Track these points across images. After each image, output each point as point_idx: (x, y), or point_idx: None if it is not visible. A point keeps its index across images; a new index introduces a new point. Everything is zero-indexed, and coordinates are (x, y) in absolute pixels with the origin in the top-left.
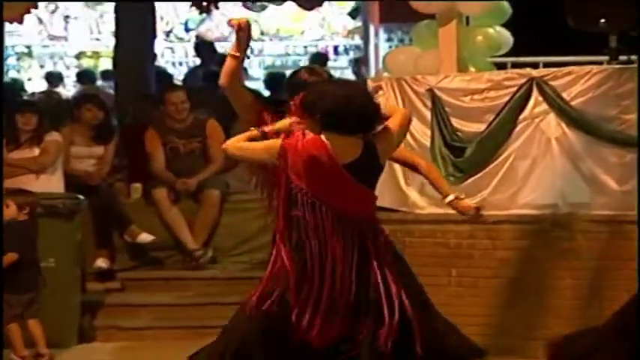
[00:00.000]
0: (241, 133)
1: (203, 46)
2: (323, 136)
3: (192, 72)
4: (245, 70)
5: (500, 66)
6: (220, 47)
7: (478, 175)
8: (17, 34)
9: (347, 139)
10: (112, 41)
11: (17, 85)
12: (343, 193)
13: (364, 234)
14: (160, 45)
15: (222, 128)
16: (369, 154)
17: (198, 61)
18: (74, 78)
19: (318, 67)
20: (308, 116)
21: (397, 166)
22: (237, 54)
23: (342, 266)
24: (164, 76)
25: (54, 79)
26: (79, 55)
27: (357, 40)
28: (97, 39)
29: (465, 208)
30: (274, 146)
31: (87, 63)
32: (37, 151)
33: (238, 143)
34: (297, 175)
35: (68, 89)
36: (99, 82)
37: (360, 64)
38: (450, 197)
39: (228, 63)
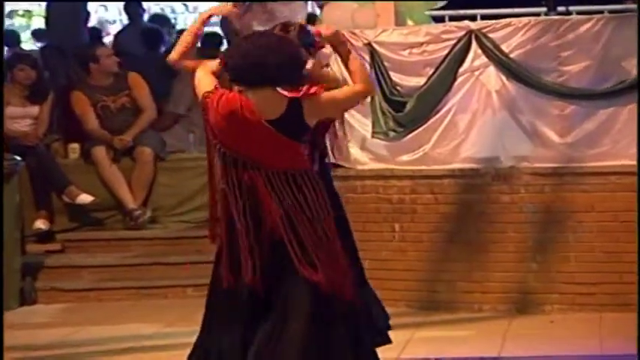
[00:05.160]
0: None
1: (132, 5)
2: (248, 94)
3: (123, 31)
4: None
5: (438, 19)
6: (155, 5)
7: (419, 130)
8: None
9: (265, 94)
10: None
11: None
12: (269, 148)
13: (299, 186)
14: (92, 3)
15: (165, 88)
16: (294, 112)
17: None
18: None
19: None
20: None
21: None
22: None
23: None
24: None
25: None
26: (10, 14)
27: None
28: None
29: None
30: (206, 86)
31: (19, 22)
32: None
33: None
34: (221, 133)
35: None
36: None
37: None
38: None
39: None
